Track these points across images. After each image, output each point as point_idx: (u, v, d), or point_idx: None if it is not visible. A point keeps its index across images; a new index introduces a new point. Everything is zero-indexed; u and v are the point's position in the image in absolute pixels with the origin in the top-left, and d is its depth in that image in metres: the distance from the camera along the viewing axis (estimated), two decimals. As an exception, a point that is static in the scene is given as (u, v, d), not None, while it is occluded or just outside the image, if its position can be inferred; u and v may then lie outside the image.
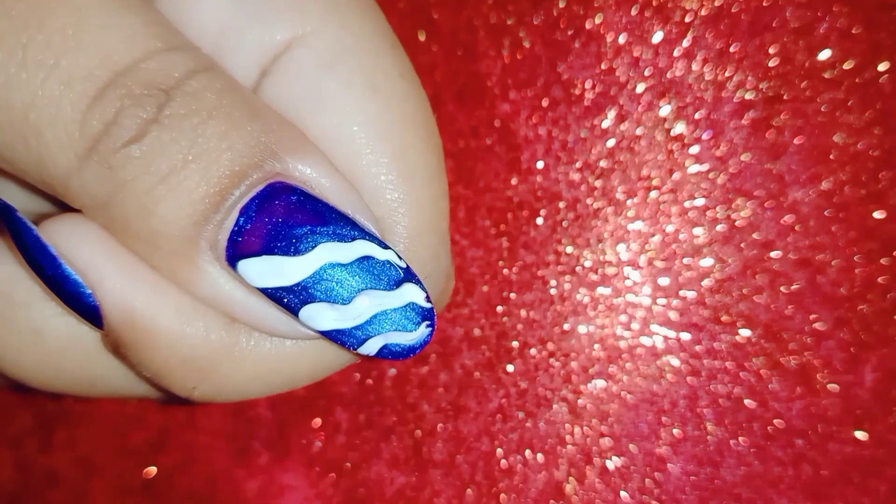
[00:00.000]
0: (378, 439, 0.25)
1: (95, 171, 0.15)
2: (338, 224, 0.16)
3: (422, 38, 0.26)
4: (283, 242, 0.15)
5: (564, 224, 0.25)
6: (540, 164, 0.25)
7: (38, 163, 0.15)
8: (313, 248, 0.15)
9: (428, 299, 0.16)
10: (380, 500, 0.25)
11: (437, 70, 0.26)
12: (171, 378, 0.17)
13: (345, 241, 0.16)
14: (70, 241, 0.16)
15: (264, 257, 0.15)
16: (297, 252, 0.15)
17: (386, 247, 0.16)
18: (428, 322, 0.17)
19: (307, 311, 0.16)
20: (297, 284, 0.16)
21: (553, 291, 0.25)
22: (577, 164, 0.25)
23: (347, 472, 0.25)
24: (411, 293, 0.16)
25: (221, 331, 0.16)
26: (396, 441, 0.25)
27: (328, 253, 0.16)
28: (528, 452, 0.25)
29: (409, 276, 0.16)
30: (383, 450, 0.25)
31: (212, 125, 0.15)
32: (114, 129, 0.14)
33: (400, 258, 0.16)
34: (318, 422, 0.25)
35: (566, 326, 0.25)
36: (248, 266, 0.15)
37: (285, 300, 0.16)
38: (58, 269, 0.16)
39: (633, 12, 0.25)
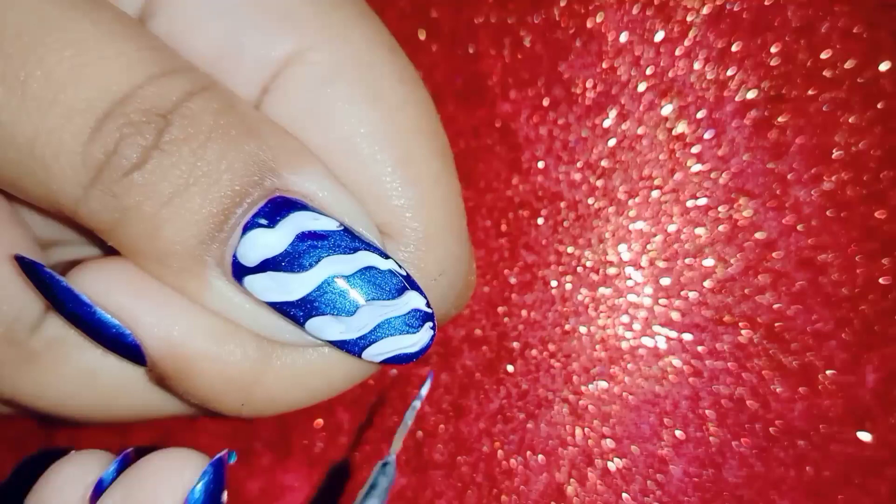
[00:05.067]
0: (379, 440, 0.25)
1: (101, 199, 0.15)
2: (339, 236, 0.16)
3: (422, 37, 0.26)
4: (286, 258, 0.16)
5: (565, 224, 0.25)
6: (541, 164, 0.25)
7: (48, 193, 0.15)
8: (317, 262, 0.16)
9: (429, 304, 0.17)
10: (381, 501, 0.25)
11: (437, 70, 0.25)
12: (219, 401, 0.17)
13: (347, 253, 0.16)
14: (100, 287, 0.16)
15: (269, 272, 0.16)
16: (300, 268, 0.16)
17: (387, 256, 0.16)
18: (430, 325, 0.17)
19: (313, 324, 0.16)
20: (302, 298, 0.16)
21: (554, 292, 0.25)
22: (579, 164, 0.25)
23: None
24: (414, 300, 0.16)
25: (256, 347, 0.17)
26: (398, 442, 0.25)
27: (331, 266, 0.16)
28: (529, 454, 0.25)
29: (410, 283, 0.16)
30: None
31: (210, 147, 0.15)
32: (115, 158, 0.15)
33: (400, 266, 0.16)
34: (319, 422, 0.25)
35: (567, 327, 0.25)
36: (253, 281, 0.16)
37: (291, 313, 0.16)
38: (94, 315, 0.16)
39: (635, 11, 0.25)
